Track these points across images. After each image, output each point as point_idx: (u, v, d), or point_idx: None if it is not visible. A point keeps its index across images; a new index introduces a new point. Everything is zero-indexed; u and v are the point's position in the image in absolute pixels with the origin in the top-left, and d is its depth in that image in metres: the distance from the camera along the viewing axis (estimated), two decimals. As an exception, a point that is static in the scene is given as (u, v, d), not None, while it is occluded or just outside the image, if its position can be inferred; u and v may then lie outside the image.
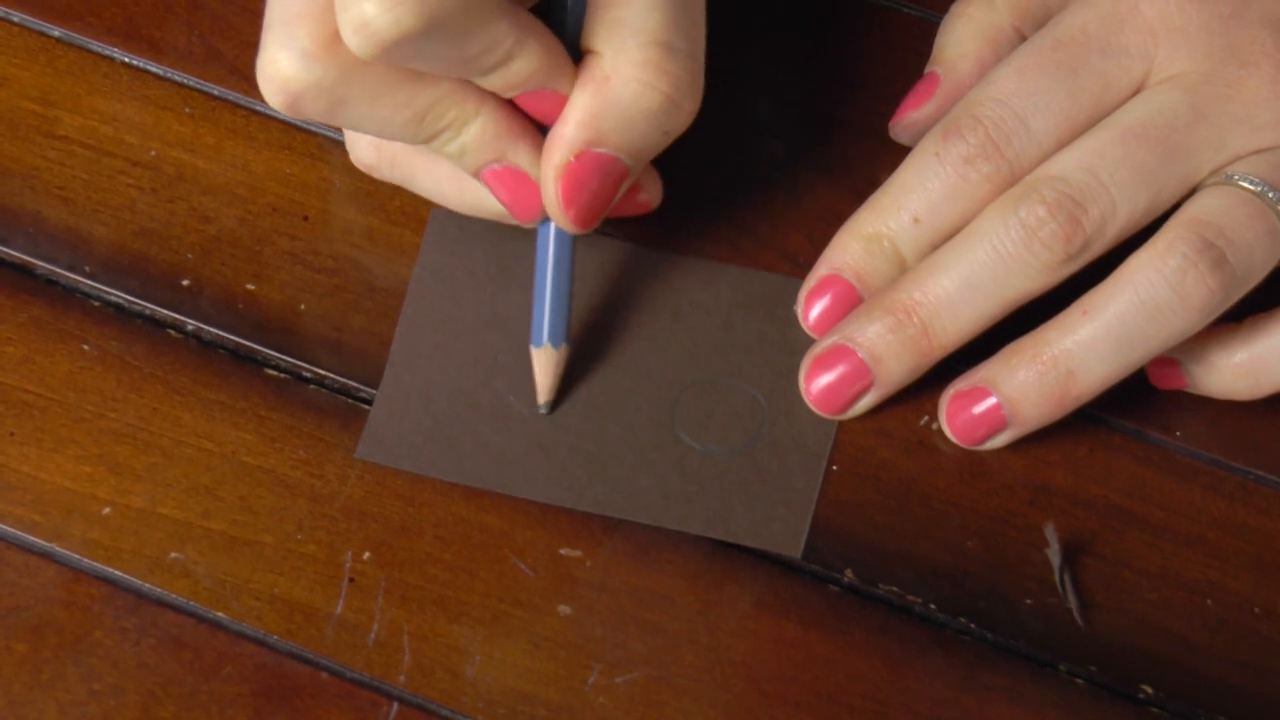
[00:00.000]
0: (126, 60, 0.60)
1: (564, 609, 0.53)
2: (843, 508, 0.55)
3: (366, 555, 0.54)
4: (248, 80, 0.59)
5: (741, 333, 0.57)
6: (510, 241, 0.58)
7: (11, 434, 0.55)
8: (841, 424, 0.56)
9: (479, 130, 0.52)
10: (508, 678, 0.53)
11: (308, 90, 0.50)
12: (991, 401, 0.54)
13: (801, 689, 0.53)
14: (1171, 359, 0.55)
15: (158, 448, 0.55)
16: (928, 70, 0.58)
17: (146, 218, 0.58)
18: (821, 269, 0.56)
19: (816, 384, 0.55)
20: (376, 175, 0.56)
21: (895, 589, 0.54)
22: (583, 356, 0.56)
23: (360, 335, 0.56)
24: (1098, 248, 0.53)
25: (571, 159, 0.52)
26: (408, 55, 0.48)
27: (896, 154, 0.57)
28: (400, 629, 0.53)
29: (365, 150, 0.56)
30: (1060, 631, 0.54)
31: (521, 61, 0.50)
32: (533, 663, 0.53)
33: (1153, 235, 0.53)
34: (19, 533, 0.54)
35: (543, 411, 0.56)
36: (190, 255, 0.57)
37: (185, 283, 0.57)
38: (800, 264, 0.57)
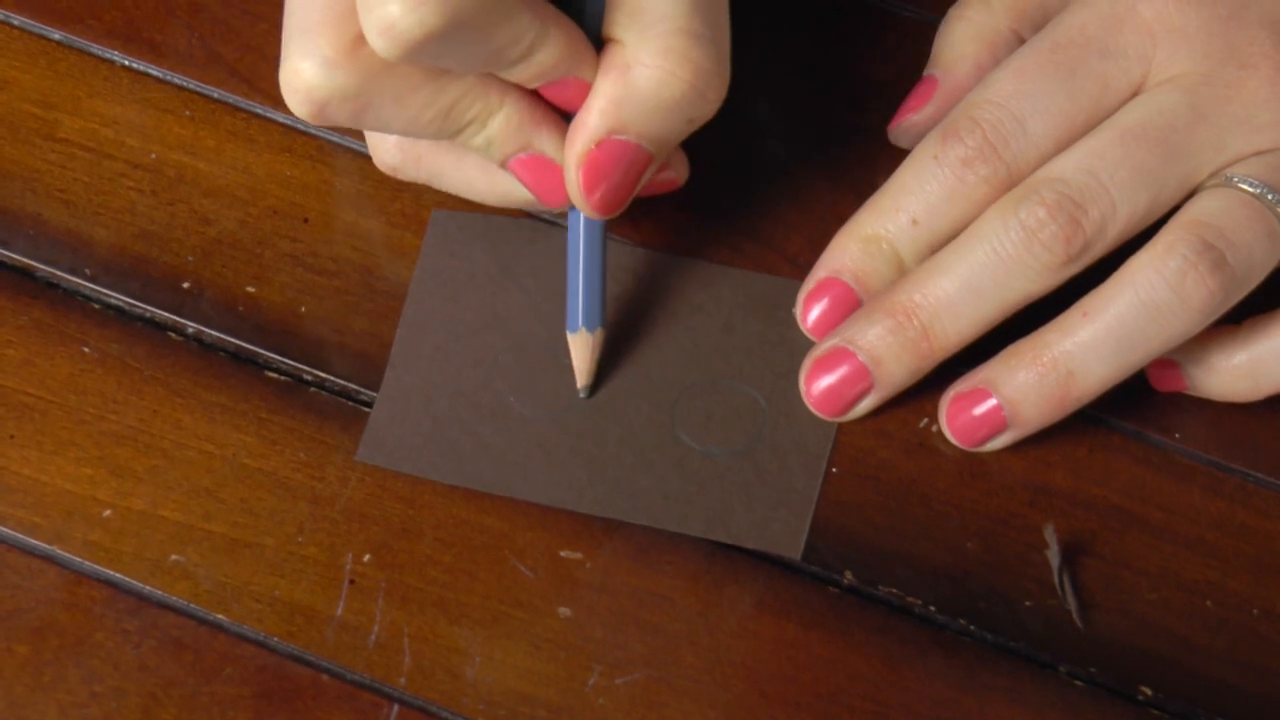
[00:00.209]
0: (127, 63, 0.60)
1: (564, 610, 0.53)
2: (843, 509, 0.55)
3: (367, 557, 0.54)
4: (248, 83, 0.59)
5: (742, 334, 0.57)
6: (510, 243, 0.58)
7: (12, 436, 0.55)
8: (841, 425, 0.56)
9: (504, 121, 0.52)
10: (508, 679, 0.53)
11: (333, 97, 0.50)
12: (992, 403, 0.54)
13: (801, 690, 0.53)
14: (1171, 361, 0.55)
15: (158, 450, 0.55)
16: (926, 73, 0.58)
17: (147, 220, 0.58)
18: (820, 271, 0.56)
19: (817, 386, 0.55)
20: (401, 176, 0.56)
21: (895, 590, 0.54)
22: (583, 358, 0.57)
23: (361, 337, 0.57)
24: (1098, 249, 0.53)
25: (593, 146, 0.52)
26: (433, 54, 0.48)
27: (896, 156, 0.57)
28: (401, 631, 0.53)
29: (390, 152, 0.55)
30: (1060, 632, 0.54)
31: (545, 53, 0.50)
32: (533, 664, 0.53)
33: (1153, 237, 0.53)
34: (20, 535, 0.54)
35: (582, 395, 0.56)
36: (191, 258, 0.57)
37: (186, 285, 0.57)
38: (800, 265, 0.57)
